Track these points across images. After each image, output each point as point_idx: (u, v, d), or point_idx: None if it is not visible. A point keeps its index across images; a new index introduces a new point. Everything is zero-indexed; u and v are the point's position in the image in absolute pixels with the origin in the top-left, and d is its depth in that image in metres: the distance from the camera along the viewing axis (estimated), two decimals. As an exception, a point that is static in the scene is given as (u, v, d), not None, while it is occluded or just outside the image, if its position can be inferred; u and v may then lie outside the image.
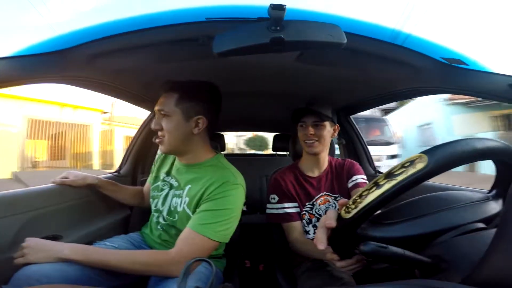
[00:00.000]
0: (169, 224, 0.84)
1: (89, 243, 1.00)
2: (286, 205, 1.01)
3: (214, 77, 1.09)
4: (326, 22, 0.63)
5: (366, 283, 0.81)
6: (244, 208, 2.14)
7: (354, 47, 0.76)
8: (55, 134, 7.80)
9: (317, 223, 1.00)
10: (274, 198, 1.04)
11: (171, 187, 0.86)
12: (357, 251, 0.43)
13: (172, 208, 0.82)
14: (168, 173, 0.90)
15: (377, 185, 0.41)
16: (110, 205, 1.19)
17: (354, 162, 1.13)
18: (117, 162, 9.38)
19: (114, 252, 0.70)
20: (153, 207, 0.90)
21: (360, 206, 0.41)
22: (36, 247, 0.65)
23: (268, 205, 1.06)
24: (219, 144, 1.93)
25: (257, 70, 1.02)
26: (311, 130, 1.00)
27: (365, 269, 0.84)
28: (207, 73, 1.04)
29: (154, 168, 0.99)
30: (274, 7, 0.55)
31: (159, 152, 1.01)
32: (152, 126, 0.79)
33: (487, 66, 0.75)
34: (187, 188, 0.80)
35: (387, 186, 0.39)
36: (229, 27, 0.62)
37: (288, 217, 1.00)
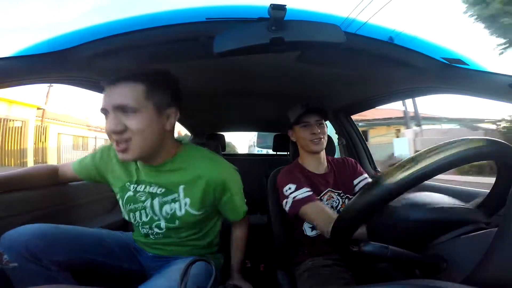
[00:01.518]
0: (170, 231, 0.77)
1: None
2: (307, 189, 0.94)
3: (214, 77, 1.09)
4: (326, 22, 0.63)
5: (366, 283, 0.81)
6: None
7: (354, 47, 0.76)
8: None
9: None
10: (290, 188, 0.95)
11: (152, 196, 0.73)
12: (357, 250, 0.43)
13: (169, 216, 0.73)
14: (137, 182, 0.75)
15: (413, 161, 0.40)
16: (111, 205, 1.19)
17: (354, 160, 1.14)
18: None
19: (243, 251, 0.92)
20: (133, 220, 0.79)
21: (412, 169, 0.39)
22: None
23: (288, 197, 0.95)
24: (219, 144, 1.93)
25: (257, 70, 1.02)
26: (317, 129, 1.01)
27: (365, 269, 0.85)
28: (207, 73, 1.04)
29: (109, 176, 0.80)
30: (274, 7, 0.55)
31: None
32: (110, 127, 0.61)
33: (486, 67, 0.75)
34: (181, 188, 0.72)
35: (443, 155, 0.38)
36: (230, 27, 0.62)
37: (314, 197, 0.93)
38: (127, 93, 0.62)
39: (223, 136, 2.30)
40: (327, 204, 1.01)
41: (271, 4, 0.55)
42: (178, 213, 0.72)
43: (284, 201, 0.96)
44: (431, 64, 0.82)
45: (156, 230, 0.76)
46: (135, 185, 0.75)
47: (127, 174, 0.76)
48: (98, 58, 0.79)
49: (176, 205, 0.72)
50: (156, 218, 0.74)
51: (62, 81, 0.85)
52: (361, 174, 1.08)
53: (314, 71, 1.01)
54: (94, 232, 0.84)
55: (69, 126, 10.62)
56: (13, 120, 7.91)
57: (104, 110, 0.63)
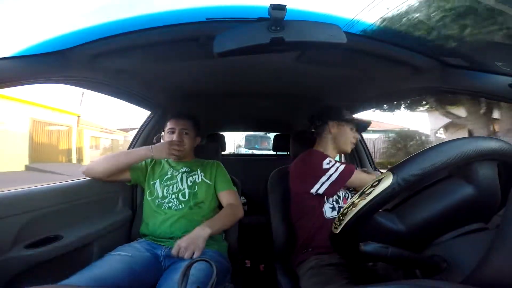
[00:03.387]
0: (189, 197, 1.09)
1: (90, 243, 1.00)
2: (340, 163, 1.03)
3: (214, 77, 1.09)
4: (326, 22, 0.63)
5: (366, 283, 0.81)
6: (245, 208, 2.14)
7: (354, 47, 0.76)
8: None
9: (336, 205, 0.99)
10: (331, 161, 0.99)
11: (182, 173, 1.16)
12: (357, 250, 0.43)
13: (190, 183, 1.14)
14: (174, 169, 1.19)
15: (353, 204, 0.45)
16: (111, 205, 1.18)
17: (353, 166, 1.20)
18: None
19: (221, 217, 1.04)
20: (165, 193, 1.11)
21: (344, 223, 0.45)
22: (194, 242, 0.86)
23: (331, 168, 0.96)
24: (219, 144, 1.93)
25: (258, 70, 1.02)
26: (358, 135, 1.13)
27: (365, 269, 0.85)
28: (207, 73, 1.04)
29: (149, 169, 1.20)
30: (275, 7, 0.55)
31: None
32: (176, 138, 1.14)
33: (486, 67, 0.75)
34: (199, 169, 1.19)
35: (360, 205, 0.43)
36: (230, 27, 0.62)
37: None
38: (185, 124, 1.17)
39: (223, 136, 2.29)
40: (342, 194, 1.03)
41: (271, 4, 0.55)
42: (197, 180, 1.15)
43: (326, 174, 0.97)
44: (431, 64, 0.82)
45: (180, 198, 1.09)
46: (172, 170, 1.19)
47: (169, 166, 1.21)
48: (98, 58, 0.79)
49: (196, 176, 1.16)
50: (182, 188, 1.12)
51: (62, 81, 0.85)
52: None
53: (314, 71, 1.01)
54: (125, 266, 0.83)
55: (93, 129, 12.83)
56: (64, 125, 10.60)
57: (173, 129, 1.16)
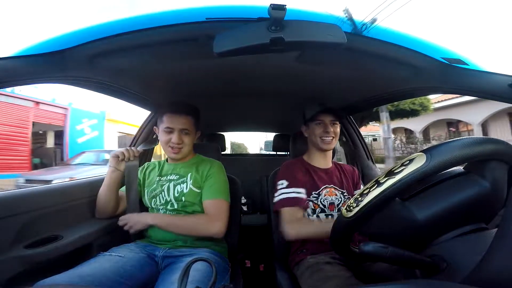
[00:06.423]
0: (178, 208, 1.02)
1: (90, 243, 1.00)
2: (297, 189, 1.02)
3: (214, 77, 1.09)
4: (326, 22, 0.63)
5: (366, 283, 0.81)
6: (244, 208, 2.13)
7: (354, 47, 0.76)
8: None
9: (320, 214, 1.01)
10: (283, 184, 1.04)
11: (170, 181, 1.06)
12: (358, 251, 0.43)
13: (177, 194, 1.03)
14: (162, 175, 1.10)
15: (378, 183, 0.42)
16: None
17: (359, 173, 1.21)
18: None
19: (182, 221, 0.98)
20: (152, 205, 1.05)
21: (362, 204, 0.42)
22: (132, 222, 0.97)
23: (278, 192, 1.04)
24: (219, 144, 1.93)
25: (257, 70, 1.02)
26: (330, 128, 1.07)
27: (365, 269, 0.84)
28: (207, 73, 1.04)
29: (141, 181, 1.12)
30: (274, 7, 0.55)
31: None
32: (176, 140, 1.02)
33: (486, 68, 0.75)
34: (189, 175, 1.06)
35: (387, 183, 0.40)
36: (229, 27, 0.62)
37: (299, 200, 1.00)
38: (186, 122, 1.03)
39: (223, 136, 2.29)
40: (327, 199, 1.03)
41: (271, 4, 0.55)
42: (185, 190, 1.03)
43: (275, 194, 1.05)
44: (431, 64, 0.82)
45: (169, 208, 1.03)
46: (160, 177, 1.09)
47: (159, 171, 1.12)
48: (98, 58, 0.79)
49: (184, 185, 1.04)
50: (169, 199, 1.03)
51: (62, 81, 0.85)
52: (359, 183, 1.16)
53: (314, 71, 1.01)
54: (114, 265, 0.82)
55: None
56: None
57: (171, 129, 1.02)
